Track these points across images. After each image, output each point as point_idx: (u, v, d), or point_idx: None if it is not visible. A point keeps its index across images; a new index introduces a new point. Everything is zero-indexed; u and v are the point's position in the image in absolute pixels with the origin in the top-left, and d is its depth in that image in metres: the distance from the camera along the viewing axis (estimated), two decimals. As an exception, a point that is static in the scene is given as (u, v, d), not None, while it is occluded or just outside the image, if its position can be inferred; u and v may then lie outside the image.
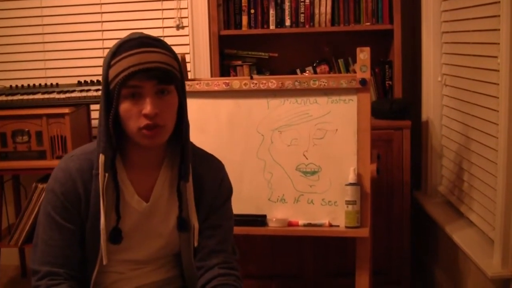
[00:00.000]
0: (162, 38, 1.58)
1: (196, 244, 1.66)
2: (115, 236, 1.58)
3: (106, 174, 1.54)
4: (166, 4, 3.56)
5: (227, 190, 1.74)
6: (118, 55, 1.50)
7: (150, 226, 1.63)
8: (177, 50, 3.79)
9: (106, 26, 3.58)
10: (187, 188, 1.63)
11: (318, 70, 3.42)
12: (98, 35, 3.59)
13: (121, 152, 1.61)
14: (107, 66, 1.52)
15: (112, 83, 1.50)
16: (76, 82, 3.29)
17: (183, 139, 1.60)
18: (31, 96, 3.13)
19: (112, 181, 1.56)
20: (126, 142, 1.59)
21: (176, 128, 1.59)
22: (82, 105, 3.24)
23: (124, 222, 1.60)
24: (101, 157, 1.53)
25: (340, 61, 3.40)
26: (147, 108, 1.48)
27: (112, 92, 1.50)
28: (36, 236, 1.61)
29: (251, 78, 2.68)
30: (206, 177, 1.68)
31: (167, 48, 1.55)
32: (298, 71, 3.44)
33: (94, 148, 1.60)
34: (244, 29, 3.36)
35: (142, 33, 1.55)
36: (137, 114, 1.49)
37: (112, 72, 1.50)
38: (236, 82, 2.68)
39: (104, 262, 1.57)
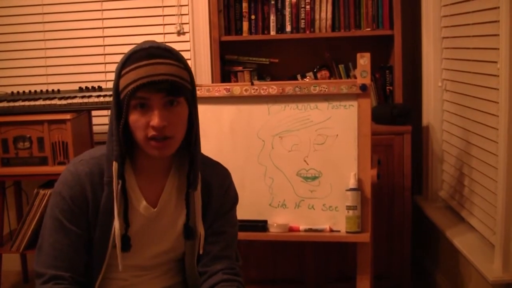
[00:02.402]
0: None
1: (201, 252, 1.66)
2: (124, 244, 1.58)
3: (120, 181, 1.54)
4: (167, 10, 3.57)
5: (232, 197, 1.75)
6: (128, 65, 1.50)
7: (155, 231, 1.63)
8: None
9: (108, 32, 3.59)
10: (195, 196, 1.63)
11: (318, 75, 3.43)
12: (99, 41, 3.60)
13: (131, 159, 1.61)
14: (118, 76, 1.52)
15: (122, 93, 1.50)
16: (77, 88, 3.29)
17: (193, 149, 1.60)
18: (32, 102, 3.14)
19: (121, 188, 1.56)
20: (136, 148, 1.59)
21: (185, 136, 1.58)
22: (84, 111, 3.25)
23: (130, 228, 1.59)
24: (115, 165, 1.53)
25: (341, 67, 3.41)
26: (155, 120, 1.48)
27: (122, 102, 1.50)
28: (41, 238, 1.60)
29: (252, 84, 2.69)
30: (213, 184, 1.68)
31: (177, 58, 1.53)
32: (298, 76, 3.45)
33: (102, 153, 1.60)
34: (245, 35, 3.37)
35: (154, 41, 1.54)
36: (145, 124, 1.50)
37: (122, 82, 1.50)
38: (236, 88, 2.69)
39: (120, 269, 1.57)
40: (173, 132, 1.52)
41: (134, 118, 1.50)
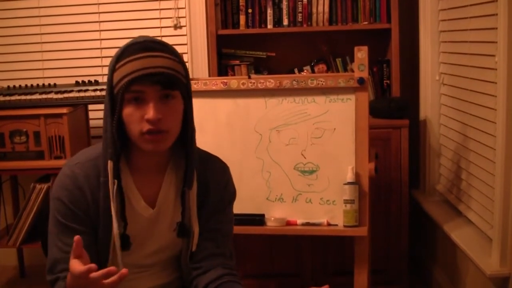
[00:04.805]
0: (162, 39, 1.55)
1: (194, 249, 1.64)
2: (124, 242, 1.55)
3: (116, 181, 1.51)
4: (164, 4, 3.56)
5: (231, 193, 1.73)
6: (122, 59, 1.48)
7: (154, 230, 1.62)
8: (175, 49, 3.73)
9: (104, 26, 3.58)
10: (190, 194, 1.61)
11: (316, 69, 3.42)
12: (96, 35, 3.58)
13: (125, 157, 1.59)
14: (112, 70, 1.50)
15: (116, 87, 1.48)
16: (74, 82, 3.28)
17: (188, 145, 1.58)
18: (29, 96, 3.13)
19: (118, 188, 1.54)
20: (131, 146, 1.57)
21: (181, 133, 1.56)
22: (80, 105, 3.24)
23: (130, 228, 1.57)
24: (110, 164, 1.51)
25: (338, 60, 3.40)
26: (150, 113, 1.45)
27: (116, 96, 1.48)
28: (49, 248, 1.56)
29: (249, 77, 2.68)
30: (211, 180, 1.66)
31: (172, 52, 1.52)
32: (296, 70, 3.44)
33: (97, 154, 1.57)
34: (242, 29, 3.36)
35: (148, 36, 1.52)
36: (139, 118, 1.47)
37: (116, 76, 1.48)
38: (234, 82, 2.68)
39: (121, 268, 1.52)
40: (168, 126, 1.50)
41: (129, 111, 1.48)
